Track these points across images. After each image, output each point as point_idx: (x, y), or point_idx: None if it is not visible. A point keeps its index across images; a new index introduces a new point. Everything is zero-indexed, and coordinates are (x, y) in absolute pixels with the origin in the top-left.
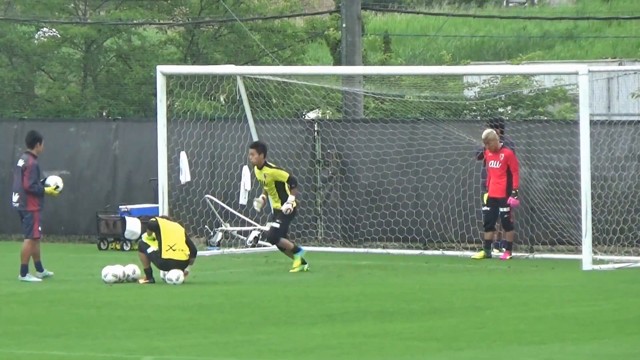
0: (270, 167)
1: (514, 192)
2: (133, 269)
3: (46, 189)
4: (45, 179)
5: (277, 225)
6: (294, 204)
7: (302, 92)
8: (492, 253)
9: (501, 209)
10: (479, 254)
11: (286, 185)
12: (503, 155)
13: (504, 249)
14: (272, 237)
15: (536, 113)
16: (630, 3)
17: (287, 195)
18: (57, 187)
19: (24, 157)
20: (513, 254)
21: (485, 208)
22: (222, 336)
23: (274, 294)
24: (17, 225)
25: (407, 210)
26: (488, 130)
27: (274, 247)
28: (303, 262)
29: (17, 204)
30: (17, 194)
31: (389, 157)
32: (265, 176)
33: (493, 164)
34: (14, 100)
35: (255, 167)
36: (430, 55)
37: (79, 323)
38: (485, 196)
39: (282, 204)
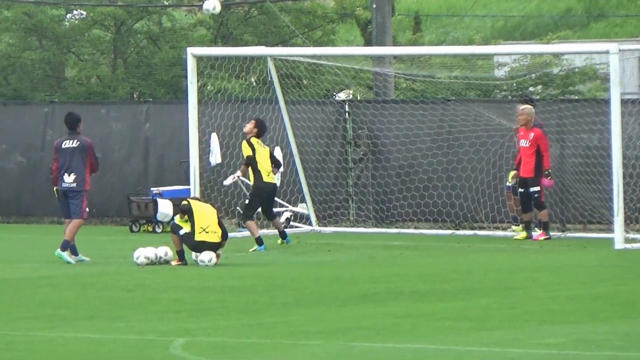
0: (259, 142)
1: (546, 172)
2: (165, 251)
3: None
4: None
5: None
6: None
7: (332, 73)
8: (532, 233)
9: (531, 189)
10: (521, 235)
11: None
12: (533, 134)
13: (537, 230)
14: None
15: (566, 92)
16: None
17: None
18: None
19: (77, 138)
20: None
21: (519, 190)
22: (254, 318)
23: (306, 276)
24: (48, 208)
25: (438, 190)
26: (526, 105)
27: (306, 228)
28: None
29: (74, 184)
30: (73, 173)
31: (420, 137)
32: (250, 145)
33: (523, 143)
34: (44, 83)
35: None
36: (460, 35)
37: (110, 306)
38: (511, 174)
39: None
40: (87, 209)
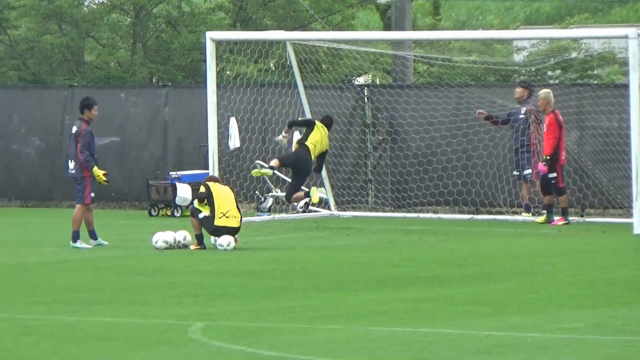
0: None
1: (544, 158)
2: (184, 235)
3: (94, 170)
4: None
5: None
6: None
7: (351, 58)
8: (553, 218)
9: (549, 175)
10: (541, 218)
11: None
12: (548, 119)
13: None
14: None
15: (585, 77)
16: None
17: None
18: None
19: (76, 123)
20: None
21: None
22: (273, 302)
23: (325, 260)
24: (67, 192)
25: (457, 174)
26: (546, 90)
27: (325, 212)
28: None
29: (73, 171)
30: (72, 161)
31: (439, 121)
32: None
33: (545, 128)
34: (63, 68)
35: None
36: (479, 19)
37: (129, 290)
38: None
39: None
40: (93, 195)
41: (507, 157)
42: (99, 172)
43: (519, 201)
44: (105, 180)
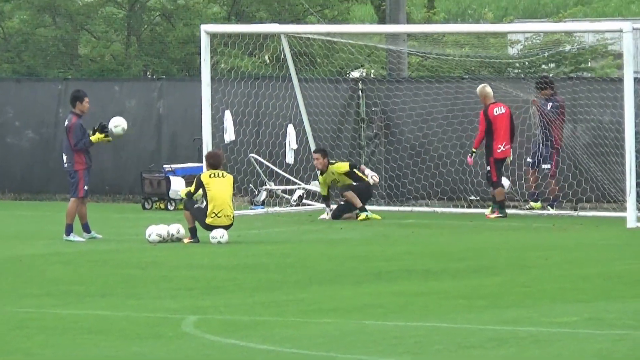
0: (332, 163)
1: (472, 151)
2: (177, 228)
3: (92, 137)
4: (105, 125)
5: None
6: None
7: (346, 51)
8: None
9: (486, 167)
10: (535, 205)
11: (355, 170)
12: (480, 114)
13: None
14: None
15: (579, 70)
16: None
17: (359, 177)
18: (116, 126)
19: (68, 116)
20: (559, 211)
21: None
22: (267, 296)
23: (319, 253)
24: (61, 185)
25: (451, 168)
26: (482, 84)
27: (319, 205)
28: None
29: (66, 165)
30: (65, 154)
31: (433, 115)
32: (333, 173)
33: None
34: (57, 60)
35: (320, 171)
36: (473, 12)
37: (123, 283)
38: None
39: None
40: (87, 188)
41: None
42: (98, 137)
43: (512, 194)
44: (106, 138)
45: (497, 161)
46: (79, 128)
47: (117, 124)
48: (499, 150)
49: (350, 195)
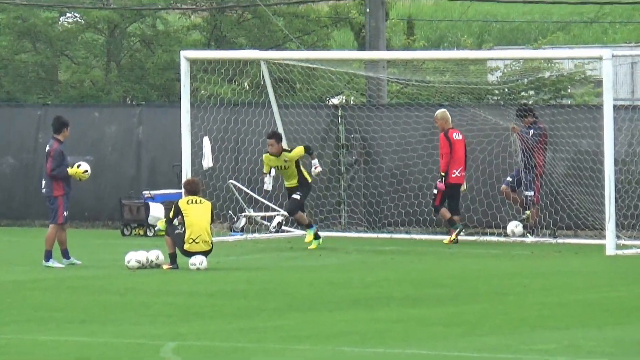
0: (287, 150)
1: (440, 175)
2: (156, 254)
3: (70, 170)
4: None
5: (297, 197)
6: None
7: (326, 77)
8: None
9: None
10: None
11: (309, 153)
12: (439, 138)
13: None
14: (291, 208)
15: (558, 97)
16: None
17: (302, 173)
18: (86, 171)
19: (49, 142)
20: (538, 238)
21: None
22: (246, 322)
23: (298, 280)
24: (40, 211)
25: (430, 195)
26: (442, 109)
27: (298, 232)
28: (316, 237)
29: (44, 190)
30: (44, 179)
31: (413, 142)
32: (286, 161)
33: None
34: (37, 86)
35: (273, 155)
36: (453, 39)
37: (102, 309)
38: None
39: (297, 181)
40: (66, 214)
41: (486, 174)
42: (75, 170)
43: (496, 221)
44: (82, 173)
45: (451, 186)
46: (59, 154)
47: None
48: (453, 175)
49: (299, 216)
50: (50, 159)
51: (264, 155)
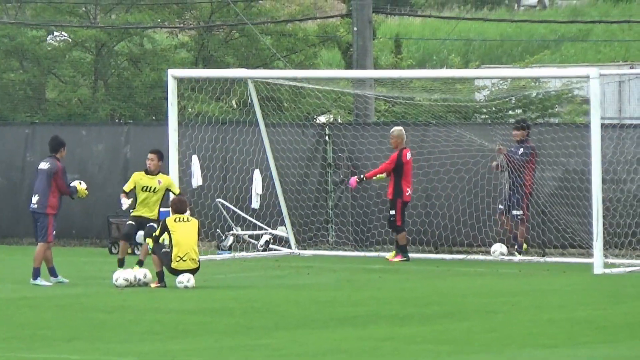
0: (165, 174)
1: (361, 177)
2: (144, 272)
3: (78, 186)
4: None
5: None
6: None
7: (313, 96)
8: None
9: (391, 211)
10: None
11: (172, 195)
12: (391, 156)
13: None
14: (126, 232)
15: (545, 115)
16: None
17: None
18: (86, 188)
19: (49, 161)
20: (525, 257)
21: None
22: (234, 340)
23: (285, 298)
24: (29, 229)
25: (417, 213)
26: (398, 127)
27: (285, 251)
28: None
29: (36, 206)
30: (37, 195)
31: None
32: (160, 182)
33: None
34: (25, 104)
35: (147, 174)
36: (440, 58)
37: (90, 327)
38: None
39: (157, 215)
40: (54, 232)
41: (472, 193)
42: (80, 189)
43: (482, 237)
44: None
45: (404, 204)
46: (65, 173)
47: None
48: (407, 194)
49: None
50: (59, 178)
51: (135, 173)
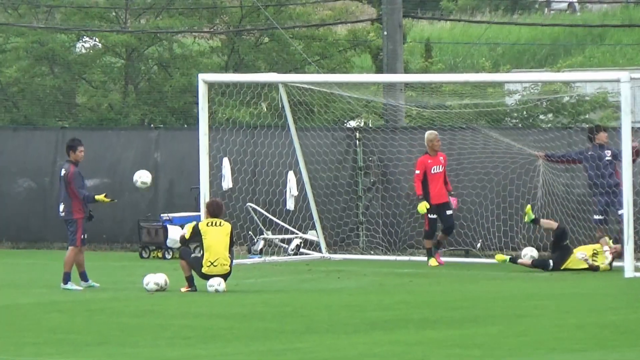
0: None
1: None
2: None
3: (97, 197)
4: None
5: None
6: None
7: (343, 100)
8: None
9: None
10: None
11: None
12: (442, 158)
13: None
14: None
15: (577, 121)
16: None
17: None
18: (144, 182)
19: (65, 166)
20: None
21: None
22: (264, 345)
23: (316, 303)
24: (58, 233)
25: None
26: (432, 131)
27: (316, 255)
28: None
29: (63, 214)
30: (62, 203)
31: None
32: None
33: (437, 169)
34: (55, 109)
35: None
36: (470, 62)
37: (120, 332)
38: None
39: None
40: (84, 236)
41: (501, 196)
42: (101, 197)
43: (514, 244)
44: (111, 199)
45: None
46: (77, 176)
47: (137, 178)
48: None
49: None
50: (73, 183)
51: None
